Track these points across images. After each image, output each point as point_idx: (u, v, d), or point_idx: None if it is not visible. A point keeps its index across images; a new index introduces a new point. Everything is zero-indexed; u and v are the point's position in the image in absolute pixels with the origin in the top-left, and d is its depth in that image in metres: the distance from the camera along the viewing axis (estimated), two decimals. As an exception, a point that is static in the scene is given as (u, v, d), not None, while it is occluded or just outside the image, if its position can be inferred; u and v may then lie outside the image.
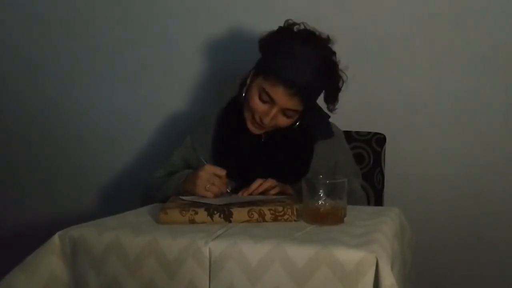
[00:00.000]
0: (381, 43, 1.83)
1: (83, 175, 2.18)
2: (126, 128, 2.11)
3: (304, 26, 1.38)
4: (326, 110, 1.49)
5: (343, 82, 1.41)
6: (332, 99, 1.42)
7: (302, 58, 1.31)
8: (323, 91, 1.41)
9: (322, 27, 1.41)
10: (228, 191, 1.30)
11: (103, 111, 2.13)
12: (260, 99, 1.36)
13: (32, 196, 2.25)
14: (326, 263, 0.90)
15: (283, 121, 1.39)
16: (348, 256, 0.90)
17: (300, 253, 0.92)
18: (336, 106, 1.44)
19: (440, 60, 1.80)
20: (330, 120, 1.55)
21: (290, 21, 1.39)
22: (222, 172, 1.27)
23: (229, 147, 1.46)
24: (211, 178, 1.25)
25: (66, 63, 2.15)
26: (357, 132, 1.71)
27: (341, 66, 1.40)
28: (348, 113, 1.67)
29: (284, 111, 1.36)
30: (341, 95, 1.44)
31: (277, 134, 1.44)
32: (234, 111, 1.47)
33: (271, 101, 1.34)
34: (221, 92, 1.61)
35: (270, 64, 1.35)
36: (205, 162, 1.33)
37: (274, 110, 1.35)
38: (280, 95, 1.32)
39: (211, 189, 1.25)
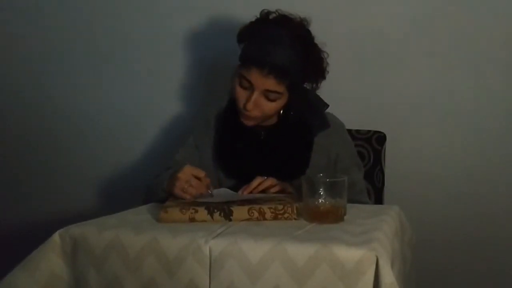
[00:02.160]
0: (381, 42, 1.82)
1: (83, 174, 2.18)
2: (127, 127, 2.11)
3: (279, 13, 1.40)
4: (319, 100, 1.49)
5: (324, 60, 1.40)
6: (313, 78, 1.43)
7: (274, 40, 1.33)
8: (304, 72, 1.39)
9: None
10: (210, 192, 1.26)
11: (104, 110, 2.13)
12: (241, 86, 1.38)
13: (33, 194, 2.25)
14: (326, 262, 0.90)
15: (268, 106, 1.38)
16: (348, 254, 0.90)
17: (300, 252, 0.92)
18: (321, 85, 1.44)
19: (440, 59, 1.80)
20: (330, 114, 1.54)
21: (265, 10, 1.41)
22: (200, 173, 1.26)
23: (229, 145, 1.47)
24: (189, 179, 1.24)
25: (66, 64, 2.14)
26: (357, 131, 1.71)
27: (319, 45, 1.40)
28: (349, 112, 1.68)
29: (266, 94, 1.36)
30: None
31: (276, 130, 1.45)
32: (232, 110, 1.47)
33: (250, 86, 1.36)
34: (223, 90, 1.61)
35: (246, 50, 1.38)
36: (185, 162, 1.32)
37: (255, 94, 1.35)
38: (255, 76, 1.33)
39: (188, 191, 1.23)
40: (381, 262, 0.88)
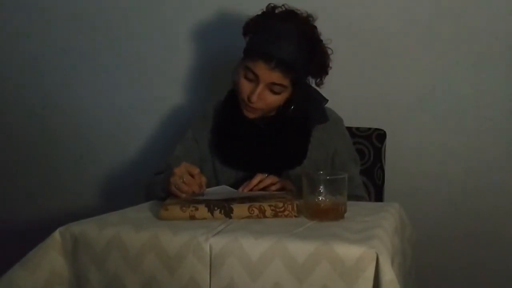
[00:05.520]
0: (381, 40, 1.82)
1: (84, 171, 2.18)
2: (127, 124, 2.11)
3: (285, 8, 1.42)
4: (318, 93, 1.50)
5: (328, 56, 1.43)
6: (317, 74, 1.45)
7: (281, 34, 1.34)
8: (309, 67, 1.42)
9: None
10: (202, 191, 1.24)
11: (103, 107, 2.13)
12: (246, 78, 1.39)
13: (33, 192, 2.25)
14: (327, 259, 0.90)
15: (271, 98, 1.39)
16: (349, 251, 0.90)
17: (300, 249, 0.92)
18: (324, 81, 1.46)
19: (440, 56, 1.79)
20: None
21: (272, 4, 1.43)
22: (194, 170, 1.24)
23: (227, 131, 1.47)
24: (183, 175, 1.23)
25: (65, 60, 2.14)
26: (357, 128, 1.71)
27: (324, 41, 1.42)
28: (349, 109, 1.68)
29: (271, 87, 1.37)
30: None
31: (274, 121, 1.46)
32: (231, 102, 1.48)
33: (256, 78, 1.37)
34: (221, 85, 1.61)
35: (252, 43, 1.39)
36: (185, 158, 1.33)
37: (260, 87, 1.36)
38: (262, 69, 1.34)
39: (179, 186, 1.22)
40: (381, 259, 0.88)
